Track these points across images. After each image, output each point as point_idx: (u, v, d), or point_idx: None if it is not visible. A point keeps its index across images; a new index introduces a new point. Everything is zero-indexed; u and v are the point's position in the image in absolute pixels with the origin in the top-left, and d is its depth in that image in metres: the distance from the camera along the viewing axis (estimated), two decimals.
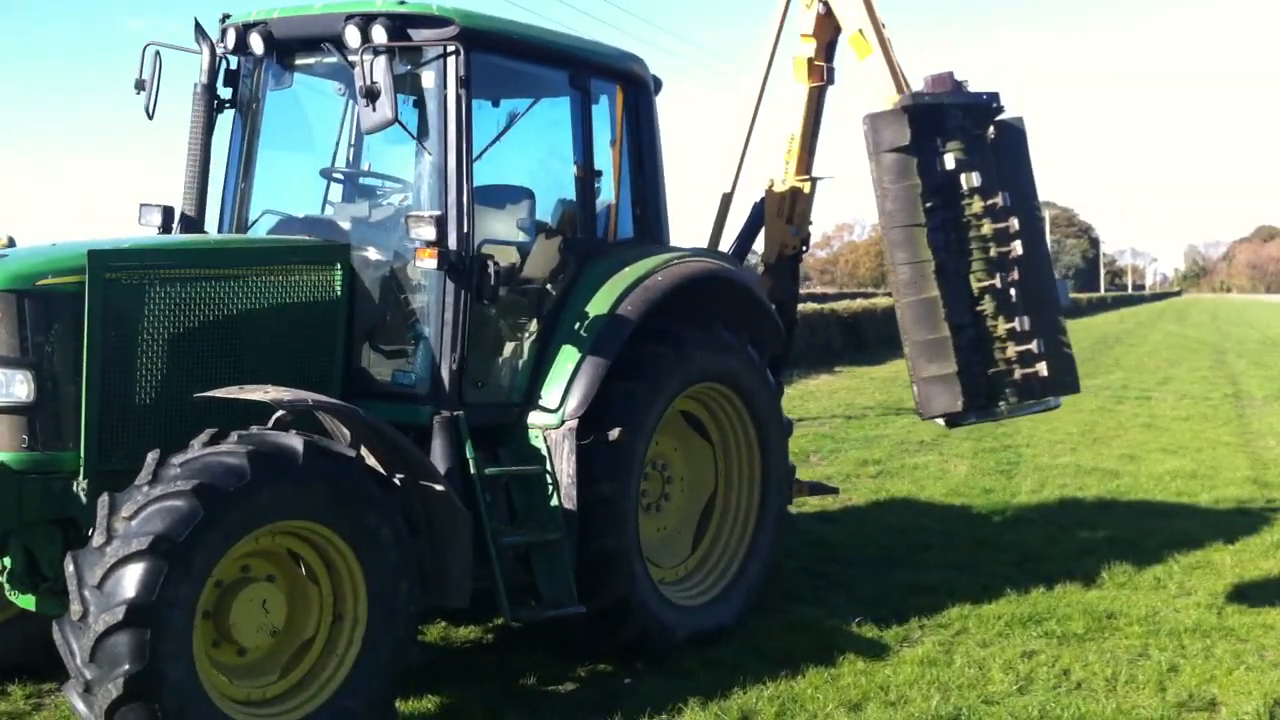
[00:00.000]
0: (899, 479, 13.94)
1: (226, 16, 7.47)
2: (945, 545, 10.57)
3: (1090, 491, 13.26)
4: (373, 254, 7.08)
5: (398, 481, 6.23)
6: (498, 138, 7.37)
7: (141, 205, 7.44)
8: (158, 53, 7.31)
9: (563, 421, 7.08)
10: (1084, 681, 7.16)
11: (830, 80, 9.64)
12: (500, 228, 7.57)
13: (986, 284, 8.46)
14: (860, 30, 9.02)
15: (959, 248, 8.49)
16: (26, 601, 6.06)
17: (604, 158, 7.90)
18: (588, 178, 7.73)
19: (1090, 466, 14.93)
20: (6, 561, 6.00)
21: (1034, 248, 8.76)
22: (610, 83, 7.90)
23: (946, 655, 7.57)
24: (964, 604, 8.64)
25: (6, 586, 6.07)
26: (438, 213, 6.60)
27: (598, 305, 7.34)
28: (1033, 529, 11.31)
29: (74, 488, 5.85)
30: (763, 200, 9.67)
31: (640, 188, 8.09)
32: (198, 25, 7.44)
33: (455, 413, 6.73)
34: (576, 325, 7.29)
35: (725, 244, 9.65)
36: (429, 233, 6.55)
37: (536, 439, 7.15)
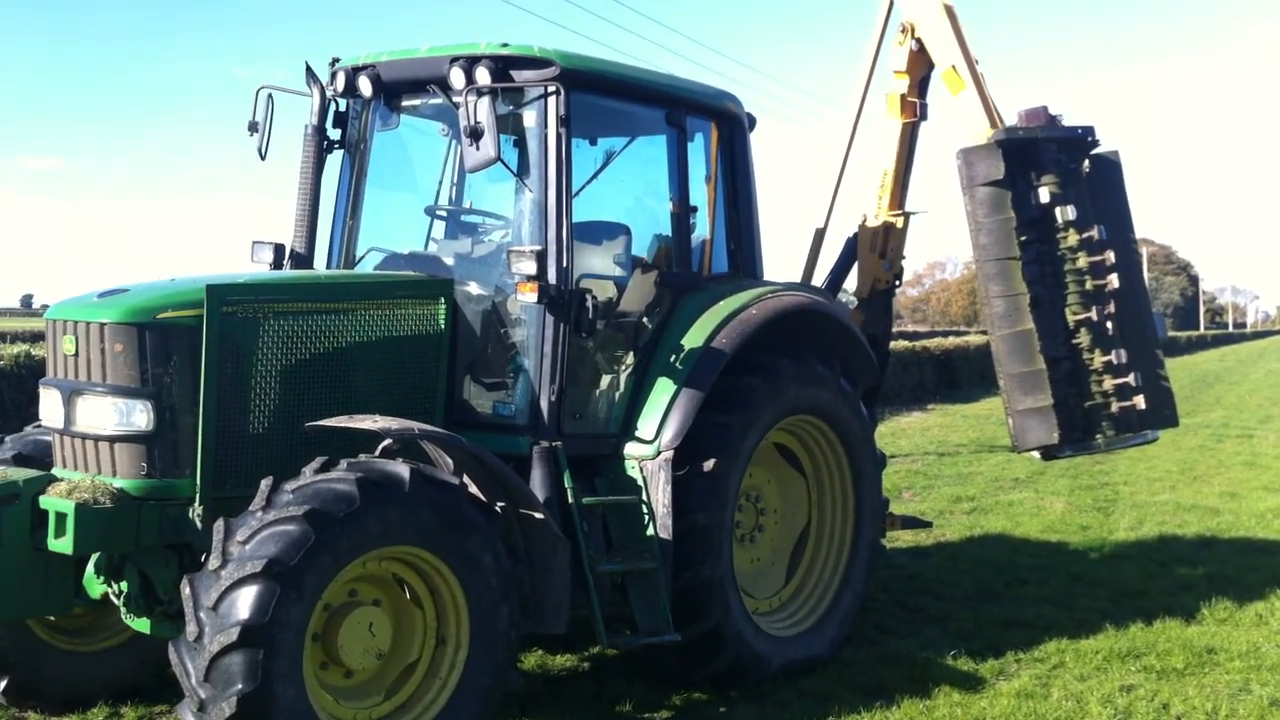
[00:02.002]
0: (993, 515, 13.83)
1: (336, 60, 7.74)
2: (1041, 580, 10.49)
3: (1190, 529, 13.05)
4: (474, 289, 7.27)
5: (499, 509, 6.36)
6: (596, 175, 7.53)
7: (254, 243, 7.71)
8: (270, 95, 7.59)
9: (658, 452, 7.19)
10: (1184, 715, 7.09)
11: (923, 116, 9.71)
12: (598, 263, 7.72)
13: (1082, 317, 8.45)
14: (954, 66, 9.09)
15: (1054, 281, 8.50)
16: (141, 625, 6.28)
17: (699, 194, 8.02)
18: (683, 213, 7.85)
19: (1190, 504, 14.69)
20: (123, 585, 6.23)
21: (1130, 281, 8.74)
22: (705, 120, 8.04)
23: (1043, 689, 7.53)
24: (1061, 638, 8.58)
25: (123, 610, 6.29)
26: (538, 248, 6.76)
27: (693, 338, 7.46)
28: (1130, 565, 11.18)
29: (189, 514, 6.06)
30: (856, 235, 9.74)
31: (735, 223, 8.21)
32: (309, 68, 7.71)
33: (554, 443, 6.87)
34: (672, 358, 7.41)
35: (818, 278, 9.73)
36: (530, 268, 6.72)
37: (632, 469, 7.26)
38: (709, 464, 7.21)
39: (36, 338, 18.85)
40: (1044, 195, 8.47)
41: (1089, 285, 8.49)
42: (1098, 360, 8.52)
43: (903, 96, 9.60)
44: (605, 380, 7.54)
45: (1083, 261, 8.50)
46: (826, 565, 8.35)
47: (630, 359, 7.55)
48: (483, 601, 6.00)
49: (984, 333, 46.52)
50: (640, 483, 7.20)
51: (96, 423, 6.09)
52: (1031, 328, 8.35)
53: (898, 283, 9.82)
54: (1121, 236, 8.84)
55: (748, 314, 7.65)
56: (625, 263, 7.77)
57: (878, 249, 9.66)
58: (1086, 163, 8.83)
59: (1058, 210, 8.48)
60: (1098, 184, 8.85)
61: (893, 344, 11.32)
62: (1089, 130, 8.84)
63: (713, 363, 7.38)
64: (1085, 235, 8.51)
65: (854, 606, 8.33)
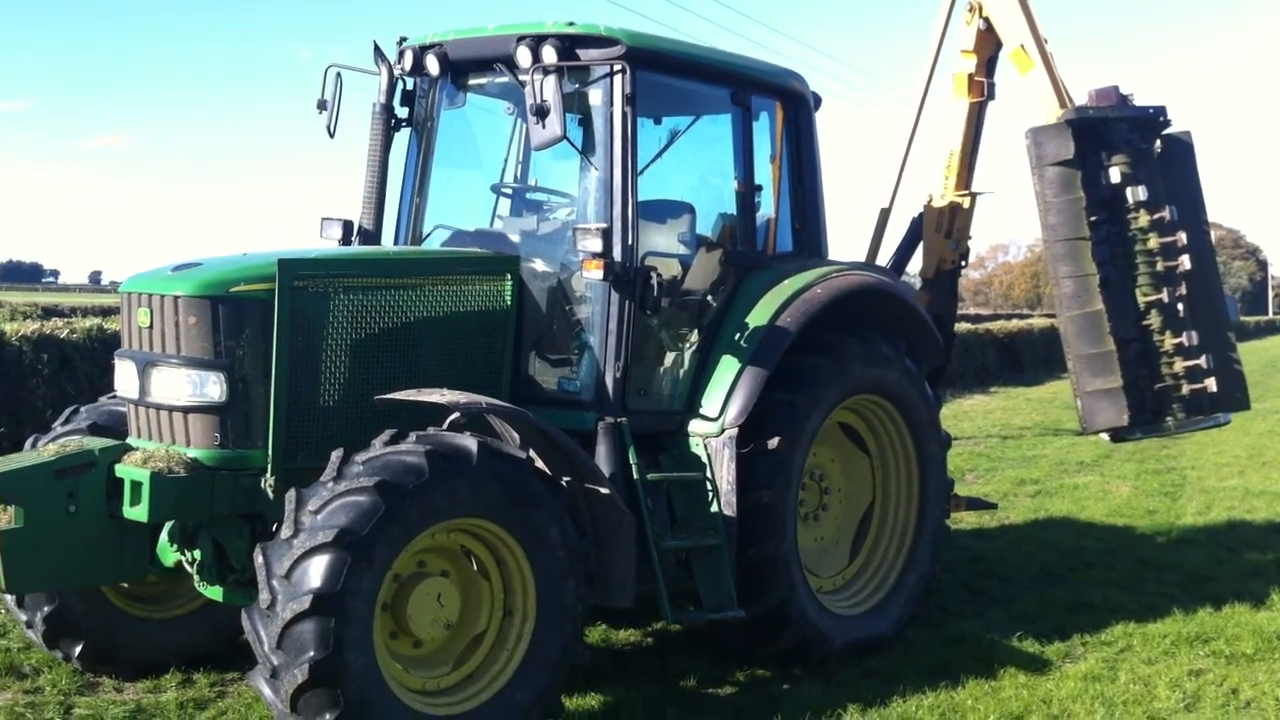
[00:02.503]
0: (1058, 498, 13.71)
1: (404, 39, 7.80)
2: (1107, 564, 10.40)
3: (1259, 514, 12.88)
4: (540, 265, 7.31)
5: (565, 484, 6.41)
6: (661, 153, 7.54)
7: (323, 219, 7.81)
8: (339, 74, 7.67)
9: (723, 430, 7.21)
10: (1253, 701, 7.01)
11: (991, 95, 9.63)
12: (662, 241, 7.74)
13: (1153, 298, 8.36)
14: (1022, 45, 9.00)
15: (1124, 262, 8.41)
16: (214, 593, 6.39)
17: (764, 173, 8.01)
18: (748, 192, 7.85)
19: (1259, 489, 14.48)
20: (196, 554, 6.34)
21: (1202, 262, 8.64)
22: (771, 99, 8.02)
23: (1110, 671, 7.48)
24: (1128, 622, 8.51)
25: (196, 578, 6.40)
26: (604, 225, 6.79)
27: (757, 317, 7.46)
28: (1198, 550, 11.05)
29: (261, 484, 6.14)
30: (921, 215, 9.69)
31: (800, 202, 8.19)
32: (376, 48, 7.77)
33: (619, 419, 6.90)
34: (736, 336, 7.42)
35: (883, 259, 9.69)
36: (595, 245, 6.75)
37: (697, 446, 7.28)
38: (773, 442, 7.22)
39: (106, 312, 19.17)
40: (1114, 175, 8.38)
41: (1160, 266, 8.39)
42: (1168, 342, 8.43)
43: (970, 76, 9.53)
44: (670, 357, 7.56)
45: (1154, 242, 8.41)
46: (890, 545, 8.34)
47: (695, 337, 7.56)
48: (549, 574, 6.05)
49: (1048, 315, 45.98)
50: (705, 460, 7.22)
51: (171, 393, 6.20)
52: (1101, 309, 8.27)
53: (963, 263, 9.76)
54: (1193, 218, 8.73)
55: (813, 293, 7.63)
56: (690, 241, 7.78)
57: (943, 229, 9.61)
58: (1158, 143, 8.72)
59: (1128, 190, 8.39)
60: (1169, 164, 8.74)
61: (955, 327, 11.25)
62: (1161, 110, 8.73)
63: (777, 341, 7.38)
64: (1156, 216, 8.41)
65: (918, 587, 8.30)
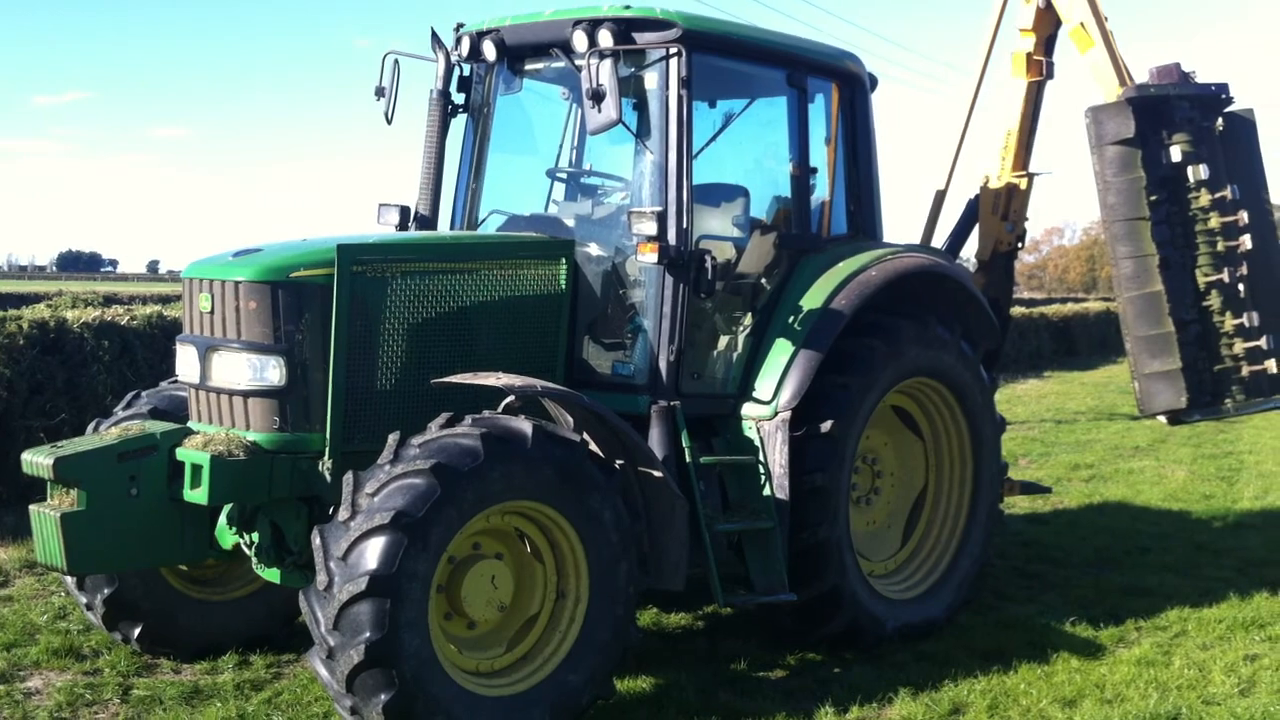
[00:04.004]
0: (1113, 483, 13.59)
1: (460, 25, 7.83)
2: (1162, 549, 10.30)
3: None
4: (595, 250, 7.33)
5: (618, 467, 6.43)
6: (716, 136, 7.53)
7: (380, 205, 7.87)
8: (396, 61, 7.70)
9: (776, 413, 7.20)
10: None
11: (1049, 75, 9.54)
12: (717, 224, 7.73)
13: (1213, 279, 8.26)
14: (1082, 23, 8.91)
15: (1184, 242, 8.32)
16: (272, 575, 6.46)
17: (819, 155, 7.98)
18: (803, 175, 7.81)
19: None
20: (255, 536, 6.42)
21: (1264, 242, 8.52)
22: (826, 81, 7.98)
23: (1165, 656, 7.42)
24: (1183, 607, 8.44)
25: (254, 560, 6.48)
26: (659, 209, 6.78)
27: (811, 300, 7.44)
28: (1255, 535, 10.92)
29: (319, 467, 6.21)
30: (977, 197, 9.62)
31: (855, 184, 8.15)
32: (434, 34, 7.81)
33: (672, 403, 6.91)
34: (790, 319, 7.40)
35: (938, 240, 9.63)
36: (650, 228, 6.75)
37: (750, 430, 7.28)
38: (826, 425, 7.20)
39: (165, 300, 19.41)
40: (1175, 154, 8.28)
41: (1220, 246, 8.29)
42: (1228, 323, 8.32)
43: (1028, 55, 9.44)
44: (723, 341, 7.55)
45: (1214, 222, 8.30)
46: (943, 529, 8.30)
47: (749, 320, 7.55)
48: (602, 557, 6.08)
49: (1103, 299, 45.44)
50: (757, 443, 7.22)
51: (231, 378, 6.27)
52: (1160, 289, 8.18)
53: (1020, 245, 9.69)
54: (1255, 197, 8.61)
55: (867, 275, 7.60)
56: (744, 224, 7.77)
57: (1000, 210, 9.53)
58: (1220, 121, 8.60)
59: (1189, 169, 8.28)
60: (1231, 143, 8.62)
61: (1010, 311, 11.15)
62: (1223, 87, 8.61)
63: (831, 324, 7.35)
64: (1218, 195, 8.30)
65: (971, 571, 8.26)
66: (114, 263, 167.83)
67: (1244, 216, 8.37)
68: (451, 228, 8.00)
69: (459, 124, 8.02)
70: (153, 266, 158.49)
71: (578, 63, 6.86)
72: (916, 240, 9.47)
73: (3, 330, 10.92)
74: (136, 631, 7.00)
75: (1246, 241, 8.37)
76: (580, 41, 6.88)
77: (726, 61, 7.45)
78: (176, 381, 6.86)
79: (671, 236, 6.89)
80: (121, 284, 72.97)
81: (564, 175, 8.31)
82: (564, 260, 7.05)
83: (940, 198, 9.68)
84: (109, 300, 22.32)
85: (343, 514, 5.55)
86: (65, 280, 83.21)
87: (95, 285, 58.16)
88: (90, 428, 6.89)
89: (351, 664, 5.37)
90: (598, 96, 6.49)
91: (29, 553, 8.85)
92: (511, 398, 6.16)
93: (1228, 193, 8.34)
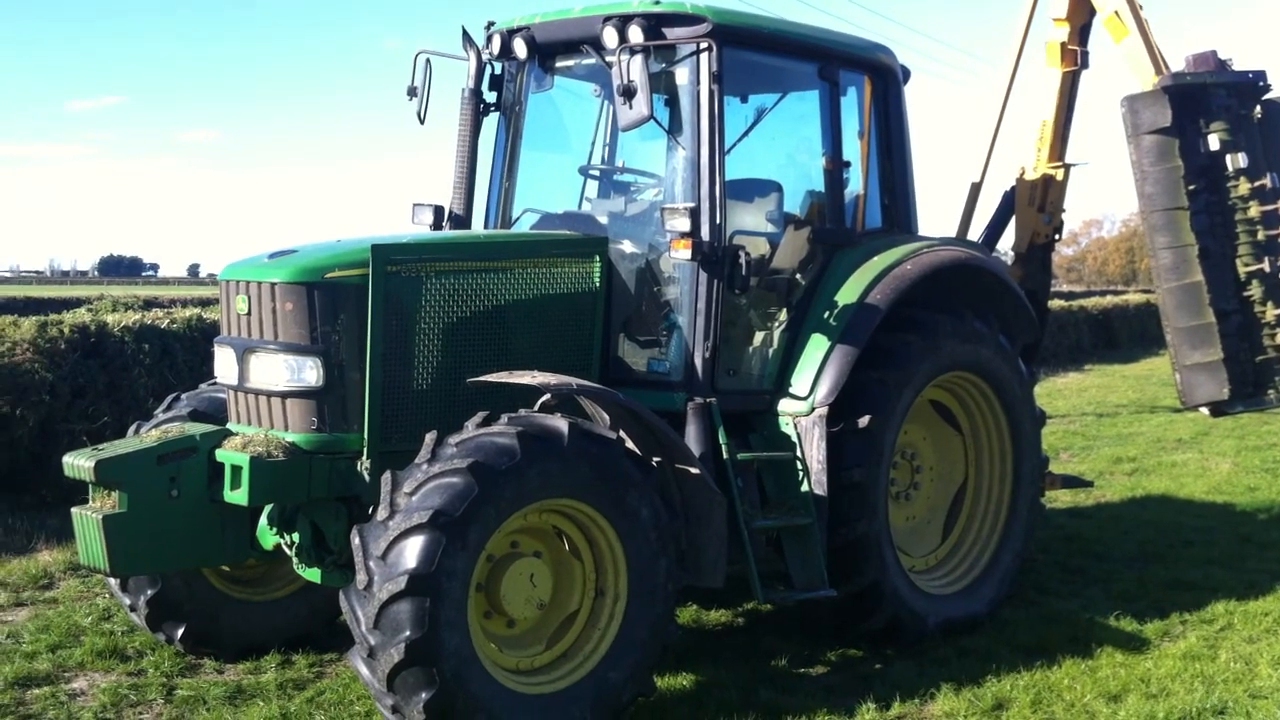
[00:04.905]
0: (1156, 476, 13.47)
1: (491, 23, 7.84)
2: (1207, 542, 10.19)
3: None
4: (628, 247, 7.32)
5: (655, 464, 6.42)
6: (748, 131, 7.50)
7: (414, 205, 7.89)
8: (428, 60, 7.72)
9: (813, 409, 7.17)
10: None
11: (1084, 64, 9.47)
12: (750, 220, 7.71)
13: (1254, 268, 8.18)
14: (1116, 12, 8.84)
15: (1224, 231, 8.25)
16: (313, 574, 6.49)
17: (852, 148, 7.94)
18: (836, 169, 7.78)
19: None
20: (295, 536, 6.45)
21: None
22: (859, 74, 7.94)
23: (1210, 650, 7.34)
24: (1228, 600, 8.35)
25: (295, 560, 6.52)
26: (692, 205, 6.76)
27: (847, 294, 7.40)
28: None
29: (358, 467, 6.23)
30: (1013, 189, 9.56)
31: (889, 177, 8.11)
32: (465, 33, 7.82)
33: (708, 399, 6.89)
34: (826, 314, 7.37)
35: (974, 233, 9.57)
36: (683, 224, 6.72)
37: (787, 426, 7.25)
38: (864, 420, 7.16)
39: (205, 304, 19.55)
40: (1213, 143, 8.21)
41: (1261, 236, 8.21)
42: (1270, 313, 8.24)
43: (1063, 45, 9.38)
44: (759, 337, 7.53)
45: (1254, 211, 8.22)
46: (984, 524, 8.25)
47: (784, 315, 7.53)
48: (641, 554, 6.07)
49: (1144, 291, 45.05)
50: (795, 439, 7.19)
51: (269, 379, 6.30)
52: (1200, 280, 8.11)
53: (1057, 237, 9.63)
54: None
55: (903, 269, 7.56)
56: (778, 219, 7.74)
57: (1036, 202, 9.47)
58: (1258, 108, 8.51)
59: (1228, 158, 8.21)
60: (1270, 130, 8.54)
61: (1049, 304, 11.08)
62: (1261, 75, 8.53)
63: (867, 319, 7.32)
64: (1257, 184, 8.22)
65: (1013, 566, 8.21)
66: (155, 267, 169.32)
67: None
68: (485, 226, 8.02)
69: (491, 123, 8.04)
70: (193, 270, 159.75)
71: (608, 59, 6.86)
72: (952, 233, 9.42)
73: (45, 335, 11.05)
74: (180, 632, 7.05)
75: None
76: (610, 38, 6.87)
77: (758, 55, 7.43)
78: (215, 384, 6.90)
79: (705, 232, 6.87)
80: (162, 288, 73.57)
81: (597, 172, 8.31)
82: (598, 258, 7.04)
83: (976, 190, 9.63)
84: (149, 304, 22.52)
85: (381, 513, 5.56)
86: (107, 284, 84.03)
87: (136, 289, 58.63)
88: (131, 430, 6.95)
89: (392, 663, 5.38)
90: (629, 93, 6.48)
91: (73, 555, 8.92)
92: (547, 396, 6.15)
93: (1267, 181, 8.26)
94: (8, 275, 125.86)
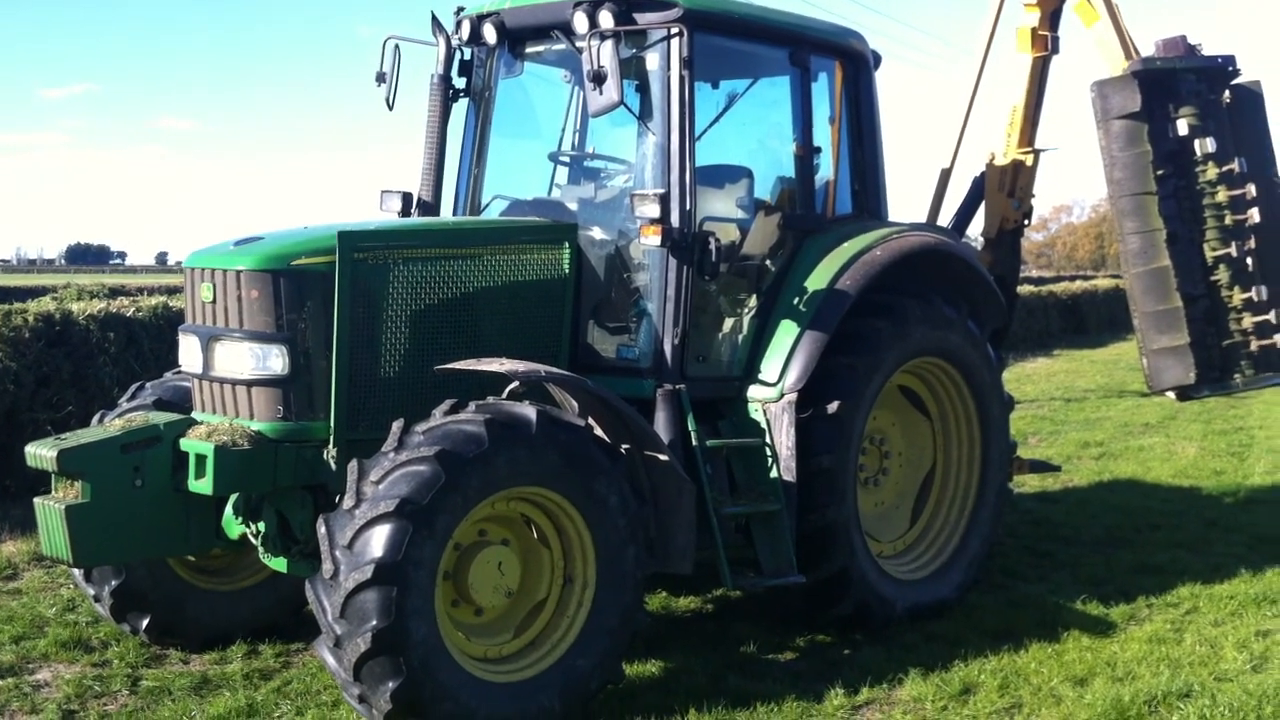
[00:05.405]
0: (1123, 460, 13.55)
1: (461, 9, 7.78)
2: (1173, 525, 10.27)
3: None
4: (598, 233, 7.29)
5: (624, 451, 6.39)
6: (719, 117, 7.48)
7: (382, 192, 7.83)
8: (397, 46, 7.66)
9: (782, 395, 7.16)
10: None
11: (1054, 49, 9.48)
12: (720, 206, 7.69)
13: (1221, 253, 8.22)
14: None
15: (1192, 216, 8.28)
16: (279, 564, 6.45)
17: (823, 134, 7.92)
18: (807, 155, 7.77)
19: None
20: (261, 525, 6.40)
21: (1272, 215, 8.48)
22: (830, 59, 7.93)
23: (1176, 633, 7.39)
24: (1194, 583, 8.41)
25: (260, 550, 6.47)
26: (661, 191, 6.74)
27: (816, 280, 7.40)
28: (1267, 510, 10.88)
29: (324, 455, 6.19)
30: (983, 174, 9.57)
31: (859, 163, 8.10)
32: (434, 18, 7.76)
33: (677, 386, 6.88)
34: (795, 300, 7.36)
35: (944, 219, 9.58)
36: (653, 211, 6.70)
37: (756, 412, 7.25)
38: (833, 406, 7.17)
39: (172, 291, 19.41)
40: (1182, 127, 8.23)
41: (1228, 220, 8.24)
42: (1237, 297, 8.27)
43: (1033, 30, 9.38)
44: (728, 323, 7.52)
45: (1222, 196, 8.25)
46: (952, 509, 8.27)
47: (753, 302, 7.52)
48: (609, 541, 6.05)
49: (1112, 276, 45.32)
50: (764, 425, 7.19)
51: (234, 367, 6.25)
52: (1168, 264, 8.14)
53: (1026, 222, 9.65)
54: (1263, 170, 8.56)
55: (872, 255, 7.55)
56: (748, 205, 7.73)
57: (1006, 187, 9.49)
58: (1227, 93, 8.54)
59: (1196, 143, 8.23)
60: (1238, 115, 8.57)
61: (1018, 289, 11.12)
62: (1230, 59, 8.55)
63: (837, 304, 7.31)
64: (1225, 168, 8.25)
65: (981, 551, 8.23)
66: (123, 255, 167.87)
67: (1252, 189, 8.32)
68: (454, 213, 7.97)
69: (460, 109, 7.98)
70: (161, 258, 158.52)
71: (578, 44, 6.82)
72: (922, 219, 9.42)
73: (9, 323, 10.93)
74: (145, 623, 6.99)
75: (1255, 215, 8.32)
76: (581, 23, 6.83)
77: (729, 41, 7.41)
78: (180, 372, 6.84)
79: (675, 219, 6.85)
80: (130, 276, 73.04)
81: (566, 159, 8.27)
82: (567, 244, 7.01)
83: (946, 176, 9.63)
84: (115, 292, 22.32)
85: (348, 502, 5.53)
86: (74, 273, 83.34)
87: (104, 278, 58.10)
88: (95, 419, 6.88)
89: (359, 652, 5.36)
90: (599, 78, 6.44)
91: (37, 545, 8.83)
92: (515, 383, 6.13)
93: (1235, 166, 8.29)
94: None
